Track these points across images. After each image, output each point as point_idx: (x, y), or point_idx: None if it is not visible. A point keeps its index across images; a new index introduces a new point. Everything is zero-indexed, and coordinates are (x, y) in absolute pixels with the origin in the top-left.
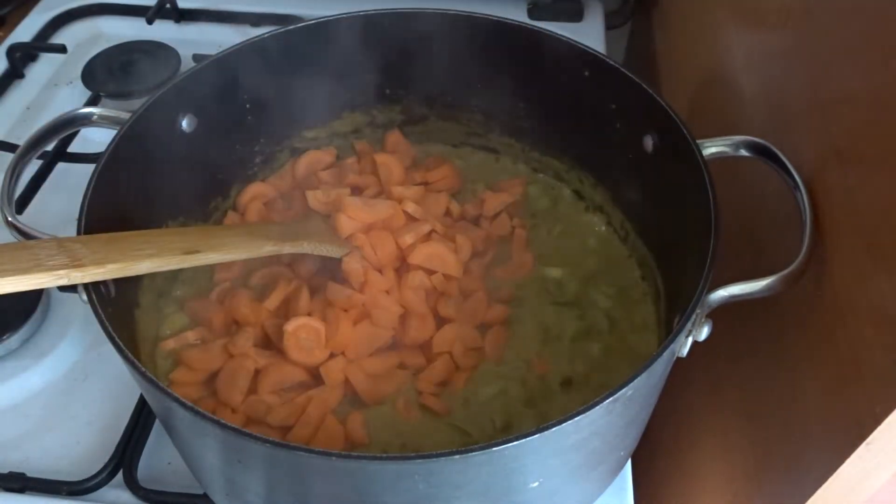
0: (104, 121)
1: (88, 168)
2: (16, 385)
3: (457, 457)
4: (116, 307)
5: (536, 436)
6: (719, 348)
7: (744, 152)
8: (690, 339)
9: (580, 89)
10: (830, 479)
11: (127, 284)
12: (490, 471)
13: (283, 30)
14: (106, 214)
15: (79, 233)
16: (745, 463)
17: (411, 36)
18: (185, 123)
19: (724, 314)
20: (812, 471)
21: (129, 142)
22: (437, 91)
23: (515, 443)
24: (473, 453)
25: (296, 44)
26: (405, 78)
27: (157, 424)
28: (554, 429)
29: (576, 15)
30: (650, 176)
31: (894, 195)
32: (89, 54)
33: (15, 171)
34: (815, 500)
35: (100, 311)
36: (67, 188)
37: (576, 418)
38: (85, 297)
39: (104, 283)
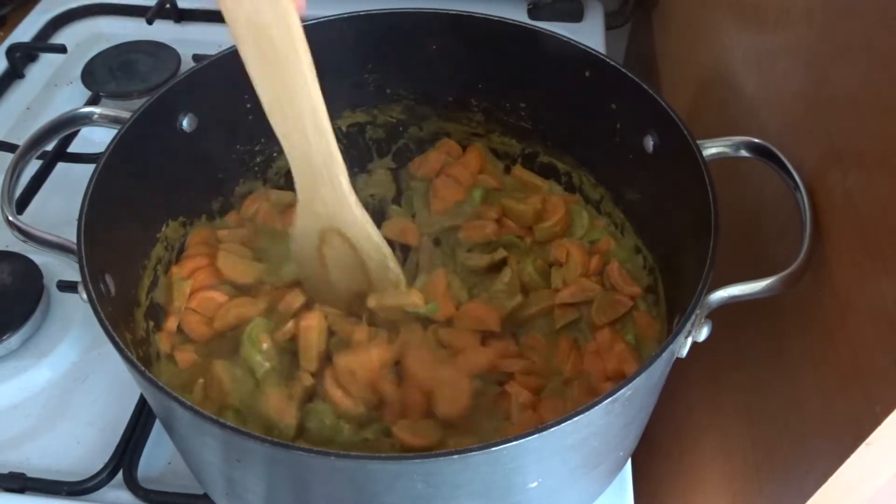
0: (104, 120)
1: (88, 168)
2: (16, 385)
3: (455, 457)
4: (116, 307)
5: (535, 436)
6: (719, 349)
7: (744, 153)
8: (690, 340)
9: (580, 89)
10: (830, 480)
11: (127, 283)
12: (489, 471)
13: None
14: (106, 214)
15: (79, 233)
16: (745, 463)
17: (411, 36)
18: (185, 123)
19: (724, 315)
20: (812, 471)
21: (129, 141)
22: (437, 91)
23: (514, 443)
24: (472, 453)
25: None
26: (405, 78)
27: (157, 424)
28: (553, 429)
29: (576, 15)
30: (650, 176)
31: (894, 195)
32: (89, 54)
33: (15, 171)
34: (815, 500)
35: (100, 310)
36: (67, 188)
37: (574, 418)
38: (85, 296)
39: (104, 281)
